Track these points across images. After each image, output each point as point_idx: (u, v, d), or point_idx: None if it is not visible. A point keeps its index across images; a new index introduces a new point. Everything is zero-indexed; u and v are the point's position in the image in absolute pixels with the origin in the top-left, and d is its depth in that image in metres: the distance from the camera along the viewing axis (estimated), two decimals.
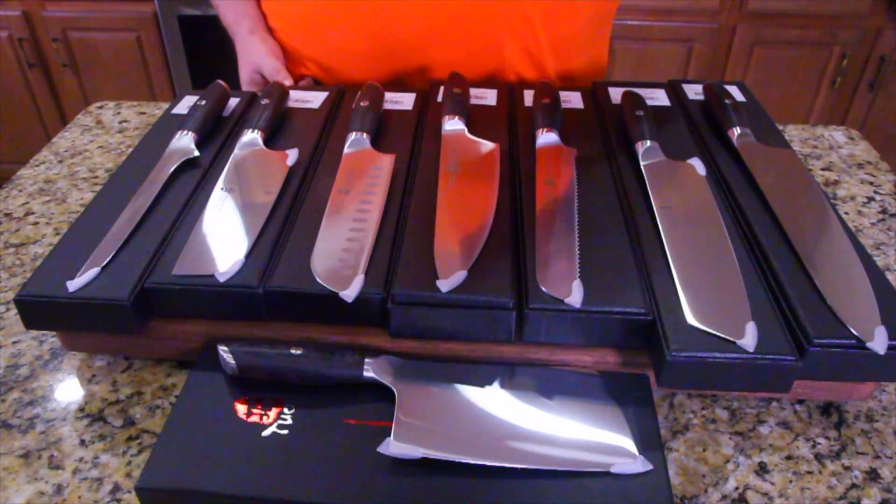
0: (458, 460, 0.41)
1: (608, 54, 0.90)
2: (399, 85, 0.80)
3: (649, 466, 0.42)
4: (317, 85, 0.84)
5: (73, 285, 0.48)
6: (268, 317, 0.50)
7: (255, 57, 0.83)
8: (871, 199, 0.73)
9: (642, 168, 0.59)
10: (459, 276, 0.48)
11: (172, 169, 0.59)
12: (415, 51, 0.79)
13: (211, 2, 0.91)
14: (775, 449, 0.47)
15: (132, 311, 0.48)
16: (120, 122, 0.87)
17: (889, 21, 1.80)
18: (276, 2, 0.83)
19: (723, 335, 0.45)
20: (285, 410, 0.46)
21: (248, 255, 0.51)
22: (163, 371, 0.53)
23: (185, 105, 0.72)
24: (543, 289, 0.48)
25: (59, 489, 0.45)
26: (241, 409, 0.46)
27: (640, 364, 0.49)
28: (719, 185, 0.60)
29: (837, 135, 0.84)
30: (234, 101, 0.72)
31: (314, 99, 0.73)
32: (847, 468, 0.46)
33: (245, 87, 0.86)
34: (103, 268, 0.50)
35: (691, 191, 0.57)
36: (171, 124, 0.67)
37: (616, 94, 0.73)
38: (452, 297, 0.47)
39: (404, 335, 0.50)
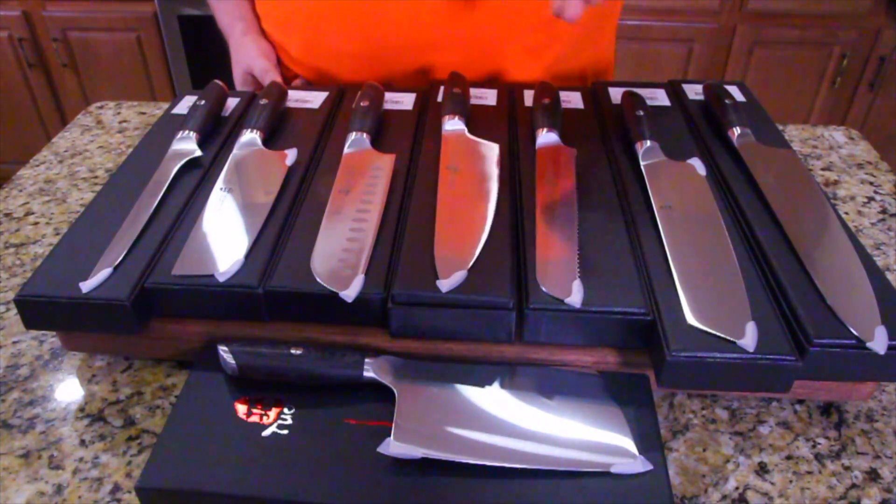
0: (458, 460, 0.41)
1: (613, 54, 0.90)
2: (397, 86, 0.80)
3: (649, 466, 0.42)
4: (308, 85, 0.84)
5: (86, 286, 0.48)
6: (268, 317, 0.50)
7: (247, 58, 0.84)
8: (871, 199, 0.73)
9: (642, 168, 0.59)
10: (459, 276, 0.48)
11: (176, 169, 0.59)
12: (412, 53, 0.78)
13: (208, 3, 0.92)
14: (775, 449, 0.47)
15: (132, 311, 0.48)
16: (120, 122, 0.87)
17: (889, 21, 1.80)
18: (271, 4, 0.83)
19: (723, 335, 0.45)
20: (285, 410, 0.45)
21: (248, 255, 0.51)
22: (163, 371, 0.53)
23: (184, 105, 0.72)
24: (543, 289, 0.48)
25: (59, 489, 0.45)
26: (241, 409, 0.46)
27: (640, 364, 0.49)
28: (719, 185, 0.60)
29: (837, 135, 0.84)
30: (233, 102, 0.72)
31: (314, 99, 0.73)
32: (847, 468, 0.46)
33: (239, 87, 0.87)
34: (115, 268, 0.50)
35: (691, 191, 0.57)
36: (170, 124, 0.67)
37: (616, 94, 0.73)
38: (452, 297, 0.47)
39: (404, 335, 0.50)
